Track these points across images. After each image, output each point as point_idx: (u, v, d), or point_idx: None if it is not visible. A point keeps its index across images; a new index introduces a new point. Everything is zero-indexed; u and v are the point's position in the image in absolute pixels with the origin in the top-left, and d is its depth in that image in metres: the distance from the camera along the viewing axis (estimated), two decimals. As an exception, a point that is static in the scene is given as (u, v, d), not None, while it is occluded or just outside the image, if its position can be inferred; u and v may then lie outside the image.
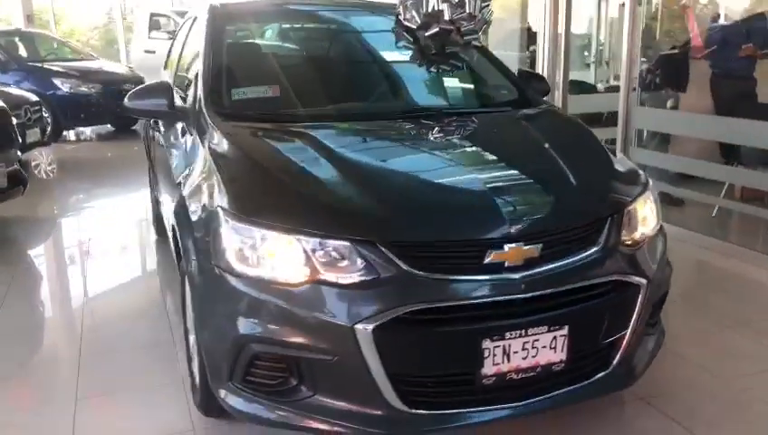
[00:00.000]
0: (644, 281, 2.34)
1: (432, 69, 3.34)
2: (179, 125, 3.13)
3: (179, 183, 2.77)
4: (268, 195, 2.31)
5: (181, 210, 2.58)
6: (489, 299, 2.11)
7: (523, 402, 2.22)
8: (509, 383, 2.19)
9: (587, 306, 2.24)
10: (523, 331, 2.14)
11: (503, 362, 2.15)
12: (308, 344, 2.11)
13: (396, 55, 3.29)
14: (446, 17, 3.36)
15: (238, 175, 2.42)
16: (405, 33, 3.42)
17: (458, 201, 2.27)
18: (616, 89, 5.91)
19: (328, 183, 2.31)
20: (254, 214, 2.21)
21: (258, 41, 3.50)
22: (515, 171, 2.51)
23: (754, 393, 2.82)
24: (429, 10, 3.35)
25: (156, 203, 4.69)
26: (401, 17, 3.43)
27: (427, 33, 3.39)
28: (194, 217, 2.42)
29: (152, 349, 3.33)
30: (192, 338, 2.65)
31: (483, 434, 2.41)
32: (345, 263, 2.10)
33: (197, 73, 3.06)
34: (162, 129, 3.57)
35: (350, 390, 2.14)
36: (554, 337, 2.19)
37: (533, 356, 2.18)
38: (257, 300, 2.16)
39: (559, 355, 2.22)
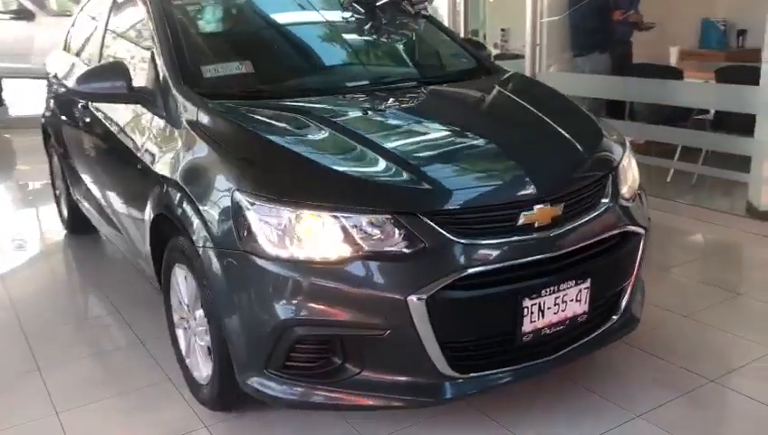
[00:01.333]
0: (643, 230, 2.50)
1: (386, 39, 3.33)
2: (137, 109, 2.91)
3: (160, 171, 2.59)
4: (293, 173, 2.23)
5: (178, 200, 2.42)
6: (527, 259, 2.17)
7: (554, 356, 2.32)
8: (542, 339, 2.28)
9: (603, 258, 2.37)
10: (556, 287, 2.24)
11: (538, 319, 2.23)
12: (357, 321, 2.09)
13: (355, 27, 3.24)
14: (397, -13, 3.38)
15: (253, 155, 2.31)
16: (355, 4, 3.39)
17: (487, 167, 2.30)
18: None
19: (352, 156, 2.26)
20: (283, 194, 2.13)
21: (211, 15, 3.30)
22: (522, 135, 2.58)
23: (717, 324, 3.12)
24: (381, -20, 3.34)
25: (69, 197, 4.34)
26: (351, -12, 3.40)
27: (378, 3, 3.38)
28: (203, 205, 2.28)
29: (115, 353, 3.11)
30: (199, 331, 2.51)
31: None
32: (386, 236, 2.08)
33: (154, 52, 2.85)
34: (101, 115, 3.30)
35: (400, 362, 2.14)
36: (579, 290, 2.30)
37: (563, 310, 2.28)
38: (298, 282, 2.09)
39: (582, 307, 2.34)
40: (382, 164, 2.22)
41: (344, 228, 2.08)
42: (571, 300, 2.30)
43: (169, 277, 2.70)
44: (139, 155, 2.81)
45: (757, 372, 2.75)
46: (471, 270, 2.09)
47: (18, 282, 4.00)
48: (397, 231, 2.08)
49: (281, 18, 3.35)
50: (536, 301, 2.20)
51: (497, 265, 2.13)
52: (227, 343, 2.27)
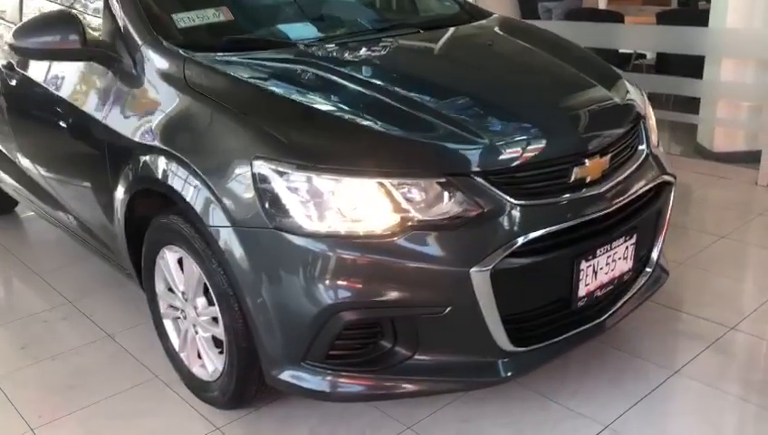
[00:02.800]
0: (673, 179, 2.37)
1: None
2: (89, 68, 2.48)
3: (139, 139, 2.20)
4: (325, 135, 1.92)
5: (171, 171, 2.05)
6: (584, 218, 1.99)
7: (604, 317, 2.17)
8: (594, 301, 2.12)
9: (646, 211, 2.22)
10: (609, 245, 2.07)
11: (592, 281, 2.07)
12: (414, 300, 1.84)
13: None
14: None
15: (272, 115, 1.97)
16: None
17: (531, 120, 2.06)
18: None
19: (388, 113, 1.97)
20: (318, 159, 1.82)
21: None
22: (554, 84, 2.35)
23: (714, 269, 3.10)
24: None
25: None
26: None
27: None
28: (212, 176, 1.93)
29: (82, 350, 2.71)
30: (202, 321, 2.19)
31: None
32: (440, 202, 1.83)
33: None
34: (36, 77, 2.81)
35: (458, 341, 1.92)
36: (626, 247, 2.16)
37: (612, 270, 2.13)
38: (343, 260, 1.81)
39: (628, 264, 2.20)
40: (424, 121, 1.95)
41: (392, 196, 1.81)
42: (620, 258, 2.15)
43: (153, 262, 2.34)
44: (100, 121, 2.38)
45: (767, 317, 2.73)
46: (532, 234, 1.87)
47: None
48: (451, 196, 1.83)
49: None
50: (591, 262, 2.03)
51: (557, 227, 1.93)
52: (253, 334, 1.96)
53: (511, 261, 1.85)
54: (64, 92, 2.62)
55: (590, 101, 2.24)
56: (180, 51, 2.22)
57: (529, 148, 1.97)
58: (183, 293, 2.25)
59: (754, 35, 4.30)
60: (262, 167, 1.84)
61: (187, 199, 2.00)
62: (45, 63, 2.68)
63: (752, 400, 2.25)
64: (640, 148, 2.28)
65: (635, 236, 2.17)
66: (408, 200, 1.82)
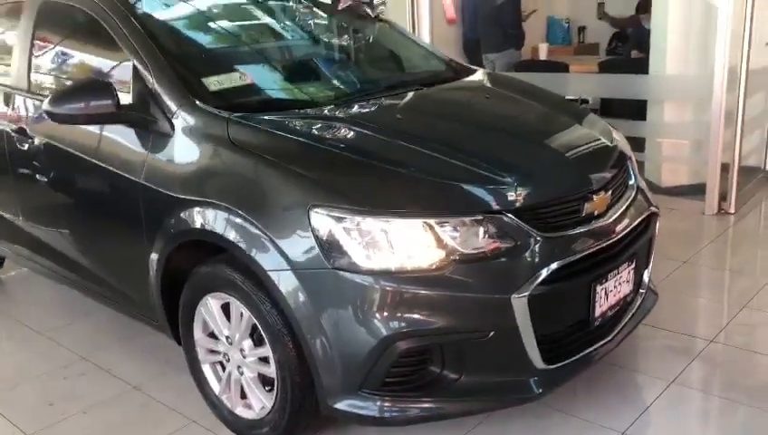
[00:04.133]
0: (657, 210, 2.69)
1: (365, 44, 3.29)
2: (117, 131, 2.62)
3: (182, 195, 2.36)
4: (372, 182, 2.13)
5: (222, 223, 2.22)
6: (598, 247, 2.26)
7: (612, 335, 2.43)
8: (605, 321, 2.39)
9: (641, 239, 2.52)
10: (616, 270, 2.35)
11: (604, 302, 2.33)
12: (462, 326, 2.06)
13: (325, 32, 3.15)
14: (359, -9, 3.35)
15: (321, 167, 2.17)
16: (316, 9, 3.32)
17: (548, 163, 2.35)
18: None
19: (424, 161, 2.21)
20: (370, 205, 2.04)
21: (185, 21, 3.02)
22: (556, 131, 2.64)
23: (684, 291, 3.43)
24: (342, -16, 3.30)
25: None
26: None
27: (339, 7, 3.34)
28: (268, 225, 2.11)
29: (111, 404, 2.78)
30: (249, 362, 2.33)
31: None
32: (479, 237, 2.07)
33: (137, 66, 2.57)
34: (54, 142, 2.92)
35: (499, 362, 2.14)
36: (629, 271, 2.44)
37: (619, 292, 2.41)
38: (398, 294, 2.01)
39: (630, 286, 2.48)
40: (457, 166, 2.19)
41: (436, 233, 2.03)
42: (625, 281, 2.42)
43: (192, 310, 2.48)
44: (136, 180, 2.52)
45: (739, 329, 3.06)
46: (560, 262, 2.13)
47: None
48: (488, 231, 2.07)
49: (257, 25, 3.17)
50: (604, 286, 2.30)
51: (578, 256, 2.19)
52: (311, 368, 2.13)
53: (542, 287, 2.09)
54: (90, 154, 2.74)
55: (589, 144, 2.54)
56: (221, 112, 2.40)
57: (548, 187, 2.24)
58: (227, 337, 2.39)
59: (691, 80, 4.78)
60: (319, 214, 2.04)
61: (242, 247, 2.17)
62: (67, 128, 2.79)
63: (743, 401, 2.54)
64: (630, 183, 2.59)
65: (635, 262, 2.46)
66: (451, 237, 2.04)
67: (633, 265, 2.45)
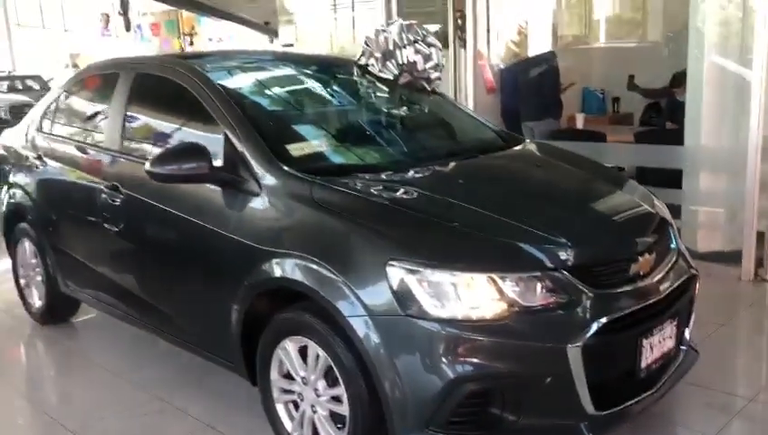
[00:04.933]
0: (696, 271, 2.91)
1: (411, 113, 3.61)
2: (214, 189, 2.92)
3: (269, 248, 2.64)
4: (441, 239, 2.40)
5: (304, 274, 2.50)
6: (644, 303, 2.49)
7: (655, 388, 2.63)
8: (649, 373, 2.59)
9: (682, 298, 2.73)
10: (661, 326, 2.57)
11: (650, 355, 2.54)
12: (520, 372, 2.28)
13: (388, 104, 3.47)
14: (419, 68, 3.68)
15: (397, 225, 2.46)
16: (378, 83, 3.64)
17: (598, 227, 2.63)
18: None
19: (489, 222, 2.48)
20: (441, 260, 2.30)
21: (267, 93, 3.39)
22: (605, 199, 2.91)
23: (722, 352, 3.59)
24: (404, 61, 3.64)
25: (52, 288, 4.16)
26: (375, 69, 3.65)
27: (401, 82, 3.66)
28: (348, 276, 2.38)
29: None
30: (322, 401, 2.57)
31: None
32: (537, 292, 2.31)
33: (228, 134, 2.89)
34: (148, 201, 3.25)
35: (554, 406, 2.35)
36: (672, 328, 2.65)
37: (663, 347, 2.61)
38: (465, 340, 2.25)
39: (673, 342, 2.69)
40: (518, 228, 2.46)
41: (500, 287, 2.28)
42: (668, 337, 2.63)
43: (270, 353, 2.73)
44: (224, 234, 2.82)
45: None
46: (608, 317, 2.36)
47: (30, 380, 3.76)
48: (545, 286, 2.32)
49: (330, 97, 3.53)
50: (649, 340, 2.52)
51: (625, 311, 2.42)
52: (383, 406, 2.35)
53: (594, 338, 2.32)
54: (179, 209, 3.06)
55: (633, 210, 2.80)
56: (306, 175, 2.71)
57: (598, 249, 2.51)
58: (303, 377, 2.64)
59: (725, 151, 5.03)
60: (394, 267, 2.31)
61: (324, 295, 2.44)
62: (158, 185, 3.09)
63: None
64: (672, 247, 2.83)
65: (677, 319, 2.67)
66: (512, 290, 2.29)
67: (675, 323, 2.67)
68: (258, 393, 2.89)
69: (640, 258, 2.54)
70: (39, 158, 4.12)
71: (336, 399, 2.54)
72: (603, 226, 2.64)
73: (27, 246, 4.36)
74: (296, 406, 2.73)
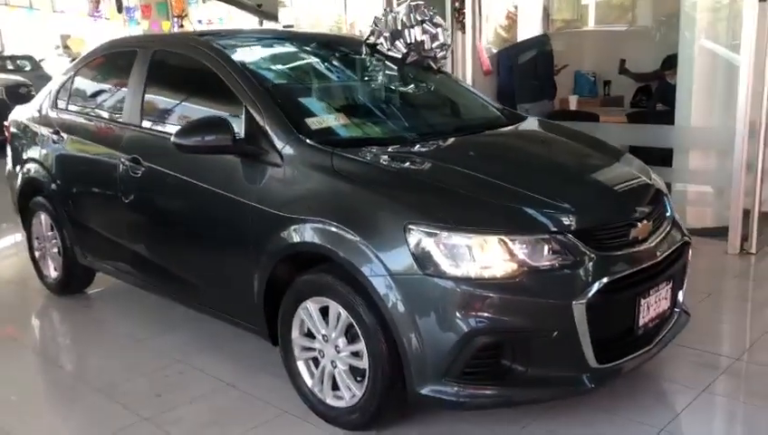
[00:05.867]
0: (689, 238, 3.11)
1: (420, 90, 3.78)
2: (235, 160, 3.09)
3: (292, 214, 2.82)
4: (456, 204, 2.58)
5: (328, 238, 2.68)
6: (642, 266, 2.69)
7: (651, 345, 2.84)
8: (646, 331, 2.80)
9: (677, 263, 2.94)
10: (657, 287, 2.77)
11: (646, 314, 2.75)
12: (530, 326, 2.49)
13: (398, 82, 3.64)
14: (427, 47, 3.85)
15: (413, 192, 2.64)
16: (386, 62, 3.81)
17: (600, 195, 2.83)
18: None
19: (496, 189, 2.67)
20: (457, 223, 2.49)
21: (279, 70, 3.56)
22: (606, 169, 3.10)
23: (709, 316, 3.82)
24: (412, 41, 3.80)
25: (69, 259, 4.33)
26: (383, 47, 3.82)
27: (408, 61, 3.83)
28: (370, 239, 2.56)
29: (212, 397, 3.21)
30: (343, 356, 2.75)
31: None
32: (545, 253, 2.51)
33: (250, 108, 3.05)
34: (170, 171, 3.41)
35: (560, 359, 2.55)
36: (667, 289, 2.86)
37: (658, 307, 2.82)
38: (478, 296, 2.45)
39: (667, 304, 2.90)
40: (526, 195, 2.65)
41: (510, 249, 2.48)
42: (663, 298, 2.84)
43: (291, 313, 2.91)
44: (248, 202, 2.99)
45: (762, 350, 3.44)
46: (610, 277, 2.56)
47: (53, 346, 3.94)
48: (552, 248, 2.51)
49: (343, 74, 3.70)
50: (646, 300, 2.72)
51: (625, 272, 2.62)
52: (402, 360, 2.55)
53: (597, 296, 2.52)
54: (202, 180, 3.23)
55: (633, 180, 3.00)
56: (322, 147, 2.88)
57: (600, 214, 2.71)
58: (324, 335, 2.83)
59: (714, 131, 5.24)
60: (413, 230, 2.49)
61: (346, 257, 2.62)
62: (180, 157, 3.25)
63: (766, 406, 2.92)
64: (667, 215, 3.03)
65: (672, 282, 2.88)
66: (521, 251, 2.48)
67: (670, 285, 2.87)
68: (276, 355, 3.10)
69: (639, 224, 2.74)
70: (56, 133, 4.26)
71: (355, 354, 2.73)
72: (604, 193, 2.84)
73: (43, 219, 4.51)
74: (316, 362, 2.91)
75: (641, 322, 2.73)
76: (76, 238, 4.22)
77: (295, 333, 2.94)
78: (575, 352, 2.53)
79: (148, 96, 3.71)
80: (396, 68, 3.74)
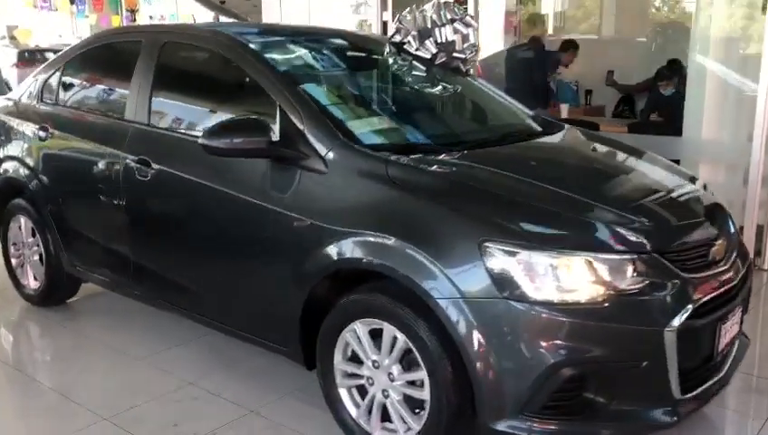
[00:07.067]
0: (751, 257, 2.94)
1: (456, 95, 3.54)
2: (265, 164, 2.79)
3: (342, 227, 2.53)
4: (537, 220, 2.34)
5: (386, 254, 2.41)
6: (724, 288, 2.50)
7: (724, 371, 2.65)
8: (721, 357, 2.61)
9: (747, 283, 2.76)
10: (733, 311, 2.58)
11: (723, 340, 2.56)
12: (619, 356, 2.26)
13: (431, 85, 3.38)
14: (458, 47, 3.61)
15: (486, 204, 2.38)
16: (416, 62, 3.55)
17: (680, 213, 2.61)
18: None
19: (576, 204, 2.43)
20: (538, 241, 2.25)
21: (310, 67, 3.25)
22: (674, 185, 2.88)
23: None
24: (443, 40, 3.55)
25: (53, 267, 3.93)
26: (412, 47, 3.56)
27: (437, 62, 3.58)
28: (438, 257, 2.29)
29: (231, 430, 2.88)
30: (397, 385, 2.48)
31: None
32: (633, 275, 2.28)
33: (286, 109, 2.75)
34: (181, 175, 3.07)
35: (645, 390, 2.33)
36: (739, 313, 2.67)
37: (732, 332, 2.63)
38: (565, 324, 2.20)
39: (738, 328, 2.71)
40: (610, 211, 2.42)
41: (598, 270, 2.24)
42: (736, 322, 2.66)
43: (335, 336, 2.62)
44: (283, 212, 2.69)
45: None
46: (698, 301, 2.36)
47: (43, 366, 3.58)
48: (640, 270, 2.29)
49: (370, 71, 3.42)
50: (725, 324, 2.53)
51: (712, 295, 2.42)
52: (475, 391, 2.29)
53: (687, 322, 2.31)
54: (227, 187, 2.90)
55: (703, 198, 2.81)
56: (374, 154, 2.61)
57: (683, 232, 2.49)
58: (374, 361, 2.54)
59: (723, 145, 5.16)
60: (489, 248, 2.24)
61: (409, 276, 2.34)
62: (201, 159, 2.92)
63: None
64: (733, 232, 2.85)
65: (743, 305, 2.70)
66: (609, 273, 2.25)
67: (741, 308, 2.69)
68: (302, 376, 2.86)
69: (716, 244, 2.55)
70: (44, 129, 3.85)
71: (412, 383, 2.46)
72: (681, 210, 2.64)
73: (23, 223, 4.09)
74: (362, 391, 2.63)
75: (719, 348, 2.54)
76: (64, 245, 3.82)
77: (338, 358, 2.65)
78: (662, 383, 2.32)
79: (157, 92, 3.35)
80: (425, 70, 3.49)
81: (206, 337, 3.64)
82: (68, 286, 4.09)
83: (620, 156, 3.17)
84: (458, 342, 2.28)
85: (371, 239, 2.46)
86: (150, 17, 29.63)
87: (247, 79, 3.00)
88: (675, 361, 2.29)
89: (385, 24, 7.06)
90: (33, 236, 4.05)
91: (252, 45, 3.09)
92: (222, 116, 3.03)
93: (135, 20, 31.09)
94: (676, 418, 2.39)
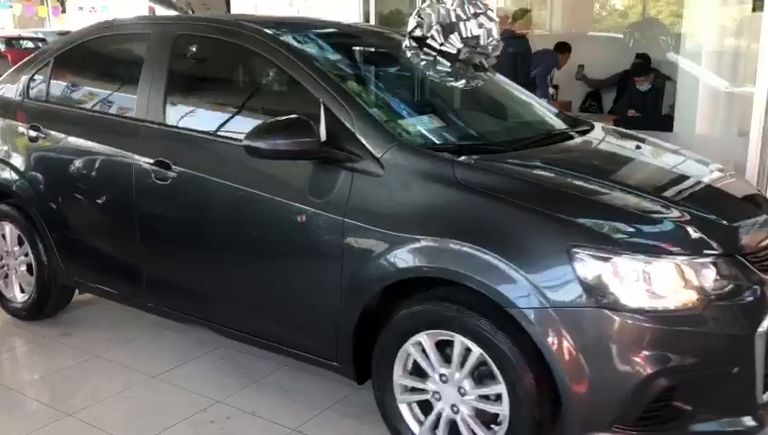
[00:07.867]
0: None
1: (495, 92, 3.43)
2: (309, 166, 2.61)
3: (408, 234, 2.38)
4: (626, 224, 2.22)
5: (471, 261, 2.25)
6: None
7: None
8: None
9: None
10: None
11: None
12: (713, 362, 2.18)
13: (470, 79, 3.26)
14: (482, 42, 3.49)
15: (569, 208, 2.25)
16: (440, 57, 3.42)
17: (747, 211, 2.55)
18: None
19: (654, 206, 2.34)
20: (630, 246, 2.15)
21: (348, 64, 3.05)
22: (720, 181, 2.82)
23: None
24: (468, 35, 3.43)
25: (46, 280, 3.65)
26: (435, 42, 3.42)
27: (461, 57, 3.46)
28: (520, 264, 2.17)
29: None
30: (468, 400, 2.35)
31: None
32: (723, 278, 2.20)
33: (333, 108, 2.58)
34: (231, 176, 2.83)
35: (732, 396, 2.26)
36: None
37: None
38: (661, 332, 2.11)
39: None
40: (688, 210, 2.33)
41: (692, 275, 2.15)
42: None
43: (395, 349, 2.47)
44: (337, 217, 2.52)
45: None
46: (783, 302, 2.30)
47: (49, 388, 3.26)
48: (730, 273, 2.21)
49: (410, 67, 3.25)
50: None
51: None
52: (564, 404, 2.17)
53: (768, 325, 2.25)
54: (266, 191, 2.70)
55: (755, 194, 2.78)
56: (435, 154, 2.46)
57: (756, 233, 2.44)
58: (442, 375, 2.40)
59: (715, 141, 5.20)
60: (579, 254, 2.12)
61: (488, 284, 2.21)
62: (236, 163, 2.74)
63: None
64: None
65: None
66: (703, 278, 2.17)
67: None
68: (339, 388, 2.76)
69: (775, 243, 2.50)
70: (35, 128, 3.54)
71: (485, 397, 2.33)
72: (749, 209, 2.58)
73: (8, 231, 3.76)
74: (425, 406, 2.49)
75: (789, 349, 2.49)
76: (60, 254, 3.53)
77: (398, 372, 2.50)
78: (748, 388, 2.25)
79: (174, 89, 3.10)
80: (458, 66, 3.36)
81: (218, 350, 3.44)
82: (60, 298, 3.78)
83: (668, 155, 3.10)
84: (546, 353, 2.16)
85: (439, 246, 2.31)
86: (80, 8, 28.59)
87: (272, 74, 2.81)
88: (762, 365, 2.23)
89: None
90: (20, 244, 3.73)
91: (286, 40, 2.88)
92: (252, 115, 2.83)
93: (64, 11, 29.96)
94: (757, 423, 2.32)
